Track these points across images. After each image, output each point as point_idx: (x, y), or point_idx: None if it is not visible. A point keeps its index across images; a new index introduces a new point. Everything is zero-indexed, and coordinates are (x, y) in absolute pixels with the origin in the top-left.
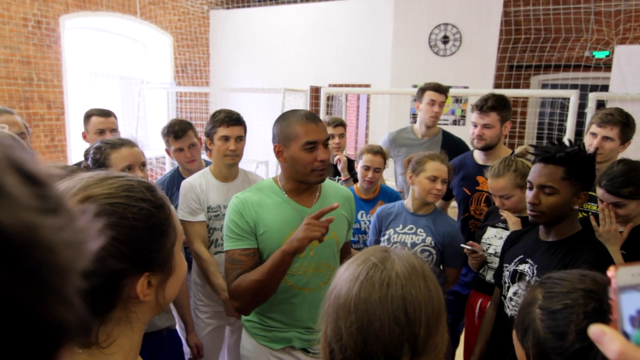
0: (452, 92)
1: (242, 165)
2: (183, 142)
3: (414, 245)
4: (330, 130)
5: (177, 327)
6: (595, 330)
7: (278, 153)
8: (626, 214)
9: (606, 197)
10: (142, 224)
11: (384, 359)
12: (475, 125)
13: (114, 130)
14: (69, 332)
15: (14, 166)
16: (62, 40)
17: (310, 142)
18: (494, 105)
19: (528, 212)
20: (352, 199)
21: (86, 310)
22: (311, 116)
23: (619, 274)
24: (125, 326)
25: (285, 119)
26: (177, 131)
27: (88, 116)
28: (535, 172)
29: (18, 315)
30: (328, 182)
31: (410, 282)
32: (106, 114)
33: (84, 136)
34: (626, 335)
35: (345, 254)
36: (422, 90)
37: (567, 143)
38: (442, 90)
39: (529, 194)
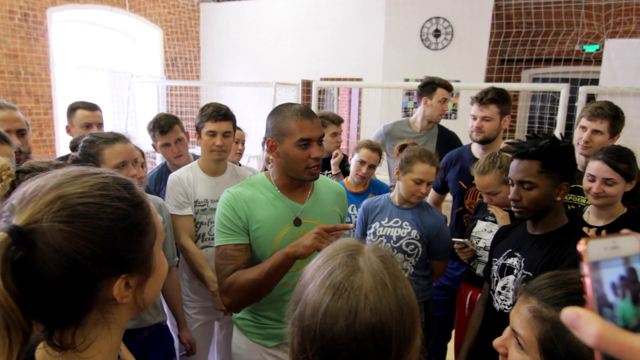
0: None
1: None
2: (169, 137)
3: (399, 238)
4: (334, 129)
5: (168, 323)
6: (569, 314)
7: (271, 148)
8: (614, 193)
9: (601, 172)
10: (117, 225)
11: None
12: (475, 118)
13: (100, 124)
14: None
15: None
16: (49, 33)
17: (304, 140)
18: (493, 97)
19: (512, 208)
20: (345, 194)
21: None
22: (306, 112)
23: (589, 248)
24: (103, 328)
25: (279, 113)
26: (162, 126)
27: (73, 109)
28: (513, 168)
29: None
30: (320, 177)
31: (381, 304)
32: (92, 107)
33: (68, 130)
34: (609, 307)
35: None
36: (433, 86)
37: (541, 136)
38: (452, 88)
39: (511, 190)
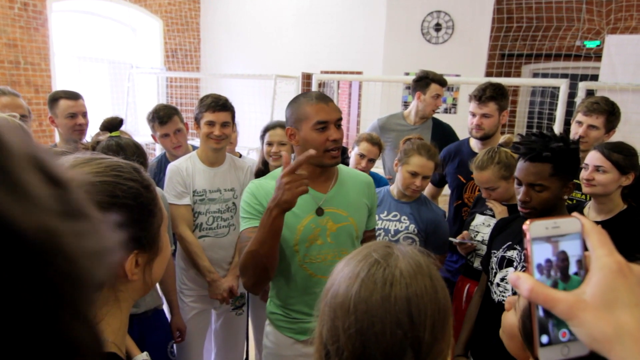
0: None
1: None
2: (168, 127)
3: (397, 232)
4: None
5: (165, 307)
6: (512, 276)
7: (290, 137)
8: (604, 182)
9: (593, 160)
10: (131, 202)
11: None
12: (474, 115)
13: (85, 113)
14: (81, 352)
15: (37, 165)
16: (49, 23)
17: (321, 122)
18: (492, 95)
19: (519, 208)
20: (373, 184)
21: (98, 327)
22: (321, 96)
23: (532, 227)
24: (114, 305)
25: (296, 101)
26: (162, 117)
27: (55, 99)
28: (523, 170)
29: (30, 330)
30: (346, 168)
31: (416, 281)
32: (75, 96)
33: (52, 120)
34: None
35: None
36: (427, 81)
37: (550, 134)
38: (446, 83)
39: (519, 191)
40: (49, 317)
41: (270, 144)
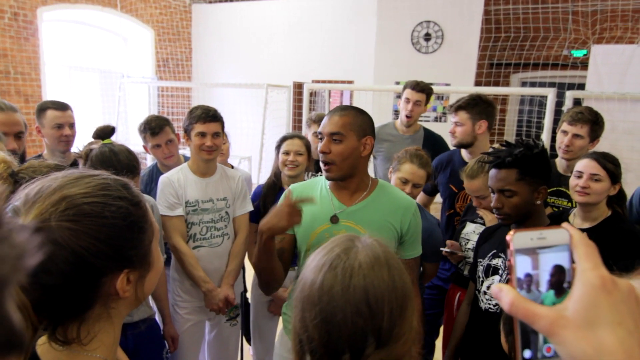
0: (433, 89)
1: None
2: (160, 138)
3: None
4: (315, 128)
5: (157, 317)
6: (494, 289)
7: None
8: (598, 191)
9: (589, 168)
10: (120, 222)
11: (348, 350)
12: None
13: (72, 124)
14: None
15: None
16: (39, 32)
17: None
18: (460, 105)
19: (495, 215)
20: (411, 211)
21: (21, 325)
22: (331, 111)
23: (515, 237)
24: (106, 322)
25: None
26: (153, 128)
27: (42, 109)
28: (492, 177)
29: None
30: (389, 187)
31: (373, 271)
32: (63, 107)
33: (39, 130)
34: (525, 287)
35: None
36: (404, 87)
37: (515, 142)
38: (418, 88)
39: (492, 199)
40: None
41: (287, 153)
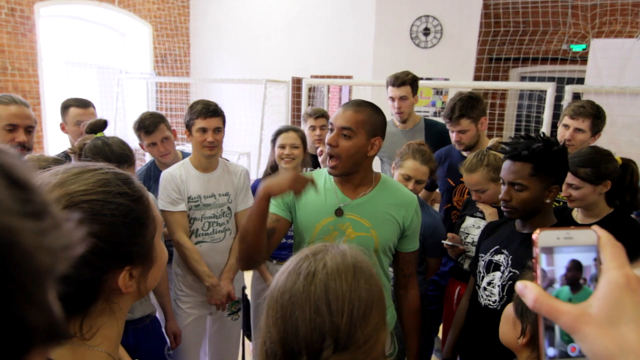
0: (432, 84)
1: (224, 156)
2: (155, 136)
3: None
4: (311, 122)
5: (158, 314)
6: (519, 285)
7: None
8: (580, 197)
9: (566, 178)
10: (120, 220)
11: (305, 351)
12: (452, 132)
13: None
14: (39, 335)
15: (2, 170)
16: (37, 28)
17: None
18: (461, 113)
19: (502, 207)
20: (413, 206)
21: (62, 315)
22: (345, 104)
23: (541, 236)
24: (109, 317)
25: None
26: (148, 126)
27: (66, 107)
28: (505, 168)
29: None
30: (392, 182)
31: (337, 272)
32: (85, 104)
33: (62, 127)
34: (550, 284)
35: (403, 264)
36: (386, 85)
37: (535, 136)
38: (398, 82)
39: (501, 190)
40: (3, 300)
41: (282, 146)
